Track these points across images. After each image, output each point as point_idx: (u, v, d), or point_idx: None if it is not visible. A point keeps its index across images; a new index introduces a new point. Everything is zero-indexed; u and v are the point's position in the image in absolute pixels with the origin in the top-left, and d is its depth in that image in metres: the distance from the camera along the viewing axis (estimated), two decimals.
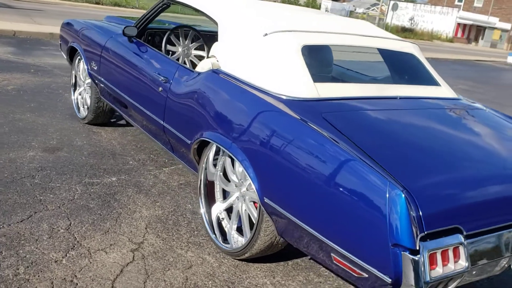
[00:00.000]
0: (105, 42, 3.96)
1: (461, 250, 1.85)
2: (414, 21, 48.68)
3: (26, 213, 2.86)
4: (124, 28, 3.62)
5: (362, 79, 2.89)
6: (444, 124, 2.60)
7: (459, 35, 48.89)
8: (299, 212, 2.10)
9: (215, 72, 2.84)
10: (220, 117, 2.60)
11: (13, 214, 2.83)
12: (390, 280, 1.76)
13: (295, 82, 2.50)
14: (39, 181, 3.30)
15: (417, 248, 1.73)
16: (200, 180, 2.91)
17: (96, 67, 4.08)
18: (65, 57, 5.07)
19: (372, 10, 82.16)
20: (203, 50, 4.20)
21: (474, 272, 1.94)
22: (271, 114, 2.36)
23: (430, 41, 39.49)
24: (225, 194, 2.91)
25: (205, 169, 2.89)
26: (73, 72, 4.77)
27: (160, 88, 3.16)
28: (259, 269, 2.63)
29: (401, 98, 2.74)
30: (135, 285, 2.35)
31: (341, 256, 1.96)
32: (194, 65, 4.11)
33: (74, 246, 2.60)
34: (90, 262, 2.48)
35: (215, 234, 2.79)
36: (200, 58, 4.19)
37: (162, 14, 3.76)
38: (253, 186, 2.36)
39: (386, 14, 39.83)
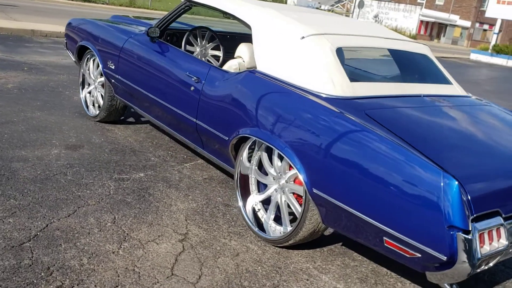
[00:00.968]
0: (124, 42, 4.07)
1: (502, 230, 2.11)
2: (378, 18, 49.71)
3: (71, 208, 2.98)
4: (149, 29, 3.75)
5: (386, 78, 3.12)
6: (467, 119, 2.87)
7: (422, 32, 50.28)
8: (352, 201, 2.32)
9: (252, 72, 3.02)
10: (264, 114, 2.78)
11: (58, 209, 2.95)
12: (446, 258, 2.01)
13: (333, 82, 2.71)
14: (72, 178, 3.40)
15: (470, 229, 1.98)
16: (237, 174, 3.09)
17: (113, 66, 4.18)
18: (71, 56, 5.14)
19: (337, 7, 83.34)
20: (219, 50, 4.37)
21: (511, 250, 2.21)
22: (316, 110, 2.56)
23: None
24: (259, 187, 3.10)
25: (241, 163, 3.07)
26: (81, 71, 4.84)
27: (192, 88, 3.31)
28: (299, 255, 2.84)
29: (424, 96, 3.00)
30: (192, 272, 2.52)
31: (394, 238, 2.19)
32: None
33: (125, 238, 2.75)
34: (145, 253, 2.64)
35: (254, 224, 2.97)
36: (216, 57, 4.36)
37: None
38: (300, 177, 2.56)
39: (353, 12, 40.54)
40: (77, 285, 2.28)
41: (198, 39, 4.25)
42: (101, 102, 4.61)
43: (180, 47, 4.06)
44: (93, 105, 4.79)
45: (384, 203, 2.20)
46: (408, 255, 2.18)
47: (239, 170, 3.09)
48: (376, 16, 50.09)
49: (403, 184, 2.13)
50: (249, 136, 2.89)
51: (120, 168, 3.70)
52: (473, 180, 2.12)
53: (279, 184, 2.88)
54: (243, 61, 3.48)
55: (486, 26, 51.88)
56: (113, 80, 4.25)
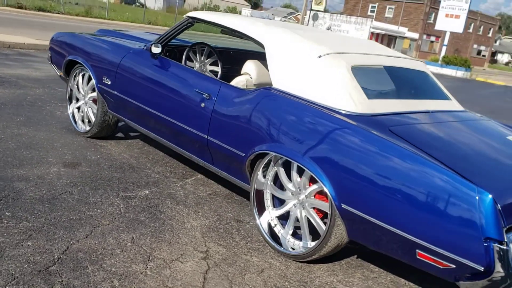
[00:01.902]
0: (122, 58, 4.03)
1: None
2: (331, 30, 50.89)
3: (87, 229, 2.92)
4: (151, 45, 3.74)
5: (396, 95, 3.24)
6: (478, 133, 3.04)
7: None
8: (384, 215, 2.40)
9: (268, 89, 3.07)
10: (287, 130, 2.83)
11: (75, 230, 2.88)
12: (483, 268, 2.12)
13: (352, 99, 2.81)
14: (79, 197, 3.33)
15: (505, 240, 2.11)
16: (253, 190, 3.12)
17: (109, 81, 4.12)
18: (56, 70, 5.02)
19: (289, 19, 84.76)
20: (217, 65, 4.39)
21: None
22: (343, 127, 2.64)
23: None
24: (274, 202, 3.15)
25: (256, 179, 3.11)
26: (69, 85, 4.74)
27: (203, 104, 3.33)
28: (321, 269, 2.90)
29: (432, 112, 3.14)
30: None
31: (428, 251, 2.29)
32: None
33: (149, 258, 2.72)
34: (173, 272, 2.62)
35: (274, 240, 3.01)
36: (214, 73, 4.38)
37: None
38: (326, 193, 2.62)
39: (307, 23, 41.34)
40: None
41: (197, 55, 4.26)
42: (92, 117, 4.53)
43: (180, 63, 4.06)
44: (82, 120, 4.70)
45: (418, 217, 2.29)
46: (441, 266, 2.28)
47: (255, 186, 3.12)
48: (329, 28, 51.20)
49: (437, 199, 2.24)
50: (268, 152, 2.93)
51: (124, 185, 3.65)
52: (503, 192, 2.25)
53: (299, 199, 2.93)
54: (251, 77, 3.53)
55: (433, 38, 54.19)
56: (108, 96, 4.20)
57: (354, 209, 2.51)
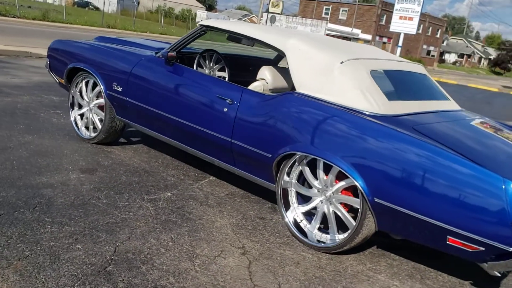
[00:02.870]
0: (135, 65, 4.13)
1: None
2: None
3: (126, 231, 3.04)
4: (167, 52, 3.87)
5: (408, 96, 3.50)
6: (483, 130, 3.35)
7: None
8: (417, 206, 2.65)
9: (292, 94, 3.28)
10: (317, 131, 3.05)
11: (115, 232, 2.99)
12: (511, 249, 2.41)
13: (375, 101, 3.06)
14: (107, 201, 3.43)
15: None
16: (280, 189, 3.33)
17: (120, 88, 4.22)
18: (54, 77, 5.06)
19: (244, 20, 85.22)
20: (224, 71, 4.56)
21: None
22: (370, 127, 2.88)
23: None
24: (298, 199, 3.36)
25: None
26: (71, 93, 4.79)
27: (225, 109, 3.50)
28: (350, 259, 3.14)
29: (439, 111, 3.44)
30: (271, 282, 2.72)
31: (459, 236, 2.56)
32: None
33: (194, 255, 2.87)
34: (219, 267, 2.79)
35: (303, 234, 3.22)
36: (222, 78, 4.54)
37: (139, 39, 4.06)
38: (359, 186, 2.85)
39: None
40: None
41: (207, 61, 4.42)
42: (98, 124, 4.60)
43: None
44: (86, 127, 4.75)
45: (449, 206, 2.56)
46: (471, 250, 2.56)
47: (281, 185, 3.32)
48: None
49: (466, 189, 2.51)
50: (296, 152, 3.14)
51: (145, 189, 3.77)
52: None
53: (326, 195, 3.15)
54: (267, 82, 3.72)
55: (385, 39, 55.86)
56: (118, 102, 4.29)
57: (388, 202, 2.76)
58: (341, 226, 3.14)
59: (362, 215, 2.92)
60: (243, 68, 4.93)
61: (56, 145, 4.51)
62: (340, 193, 3.10)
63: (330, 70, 3.21)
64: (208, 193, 3.89)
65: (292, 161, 3.23)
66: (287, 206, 3.36)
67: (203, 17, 66.77)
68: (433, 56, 66.83)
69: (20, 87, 6.99)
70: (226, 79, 4.53)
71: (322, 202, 3.19)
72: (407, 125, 2.92)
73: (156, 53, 4.23)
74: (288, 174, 3.31)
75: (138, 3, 65.63)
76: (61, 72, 4.84)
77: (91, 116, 4.67)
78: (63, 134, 4.89)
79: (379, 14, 54.57)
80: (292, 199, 3.35)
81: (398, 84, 3.49)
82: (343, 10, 57.31)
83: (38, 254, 2.61)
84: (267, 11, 44.63)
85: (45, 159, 4.07)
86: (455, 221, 2.56)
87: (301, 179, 3.33)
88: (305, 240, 3.20)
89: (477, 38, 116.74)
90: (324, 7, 58.43)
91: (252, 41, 3.66)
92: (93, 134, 4.67)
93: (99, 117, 4.61)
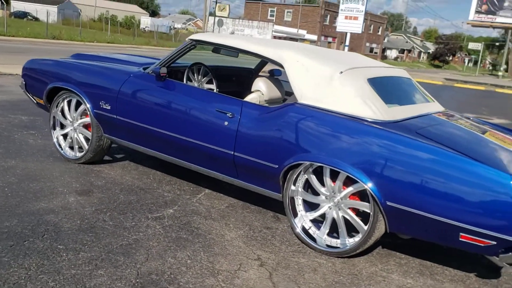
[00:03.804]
0: (123, 82, 4.09)
1: None
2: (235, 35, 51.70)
3: (142, 252, 3.02)
4: (161, 68, 3.86)
5: (401, 101, 3.64)
6: (473, 130, 3.56)
7: None
8: (430, 207, 2.79)
9: (294, 105, 3.36)
10: (324, 140, 3.14)
11: (132, 254, 2.97)
12: None
13: (376, 108, 3.19)
14: (113, 223, 3.39)
15: None
16: (288, 198, 3.40)
17: (109, 106, 4.17)
18: (31, 98, 4.93)
19: (189, 25, 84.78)
20: (212, 83, 4.58)
21: None
22: (376, 134, 3.00)
23: None
24: (304, 207, 3.45)
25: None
26: (52, 113, 4.68)
27: (226, 123, 3.54)
28: (361, 262, 3.25)
29: (430, 114, 3.63)
30: None
31: (471, 232, 2.72)
32: None
33: (215, 271, 2.90)
34: (243, 281, 2.83)
35: (313, 241, 3.32)
36: (210, 90, 4.56)
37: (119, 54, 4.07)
38: (370, 191, 2.96)
39: (213, 29, 41.73)
40: None
41: (195, 74, 4.43)
42: (84, 143, 4.52)
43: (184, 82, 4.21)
44: (71, 147, 4.66)
45: (461, 205, 2.72)
46: (483, 244, 2.73)
47: (288, 194, 3.40)
48: (232, 33, 52.05)
49: (476, 188, 2.68)
50: (303, 162, 3.23)
51: (146, 207, 3.75)
52: None
53: (334, 201, 3.26)
54: (262, 94, 3.79)
55: (330, 39, 57.12)
56: (107, 121, 4.23)
57: (400, 205, 2.89)
58: (348, 230, 3.26)
59: (374, 218, 3.05)
60: (226, 78, 4.98)
61: (43, 167, 4.39)
62: (348, 199, 3.21)
63: (330, 80, 3.31)
64: (209, 207, 3.91)
65: (299, 170, 3.31)
66: (295, 214, 3.44)
67: (147, 23, 66.00)
68: (375, 53, 68.94)
69: None
70: (214, 91, 4.55)
71: (330, 208, 3.29)
72: (410, 130, 3.07)
73: (144, 69, 4.21)
74: (294, 183, 3.39)
75: (80, 12, 64.00)
76: (40, 92, 4.72)
77: (75, 135, 4.57)
78: (45, 155, 4.76)
79: (323, 14, 55.74)
80: (299, 207, 3.43)
81: (391, 90, 3.65)
82: (288, 12, 58.15)
83: (63, 284, 2.56)
84: (214, 15, 44.66)
85: (37, 184, 3.96)
86: (467, 219, 2.72)
87: (306, 186, 3.42)
88: (317, 246, 3.29)
89: (415, 33, 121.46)
90: (269, 9, 59.09)
91: (244, 54, 3.71)
92: (79, 154, 4.58)
93: (84, 136, 4.53)
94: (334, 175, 3.23)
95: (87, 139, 4.53)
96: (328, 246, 3.30)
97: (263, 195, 3.63)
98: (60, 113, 4.64)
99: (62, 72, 4.51)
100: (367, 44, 65.81)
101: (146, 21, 67.58)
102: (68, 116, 4.59)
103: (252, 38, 4.14)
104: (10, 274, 2.59)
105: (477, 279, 3.18)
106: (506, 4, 27.87)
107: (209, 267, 2.95)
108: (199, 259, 3.03)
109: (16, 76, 10.02)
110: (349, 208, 3.23)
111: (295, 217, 3.44)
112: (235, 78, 5.16)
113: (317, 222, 3.41)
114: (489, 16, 28.52)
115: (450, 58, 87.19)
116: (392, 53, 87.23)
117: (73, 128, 4.58)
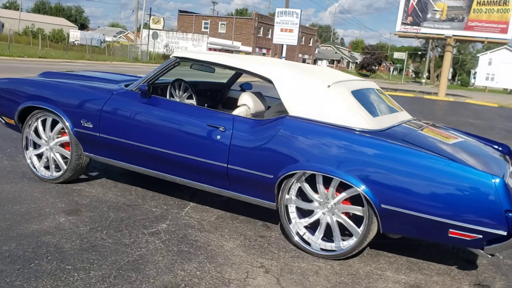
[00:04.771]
0: (106, 100, 4.10)
1: None
2: (169, 47, 51.39)
3: (151, 267, 3.07)
4: (147, 86, 3.92)
5: (380, 112, 3.90)
6: (445, 136, 3.90)
7: None
8: (422, 207, 3.05)
9: (285, 117, 3.55)
10: (318, 150, 3.33)
11: (141, 270, 3.01)
12: (506, 233, 2.91)
13: (364, 118, 3.44)
14: (112, 240, 3.40)
15: None
16: (283, 207, 3.57)
17: (91, 125, 4.15)
18: (0, 118, 4.79)
19: (120, 37, 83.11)
20: (192, 99, 4.67)
21: None
22: (368, 142, 3.24)
23: None
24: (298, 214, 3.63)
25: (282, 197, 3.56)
26: (25, 133, 4.59)
27: (218, 136, 3.66)
28: (355, 262, 3.47)
29: (405, 122, 3.93)
30: None
31: (459, 228, 3.01)
32: None
33: (226, 281, 3.00)
34: None
35: (309, 246, 3.50)
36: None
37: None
38: (365, 195, 3.19)
39: (147, 42, 41.25)
40: None
41: (177, 90, 4.51)
42: (62, 162, 4.46)
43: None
44: (46, 167, 4.58)
45: (449, 204, 3.01)
46: (469, 238, 3.02)
47: (283, 203, 3.57)
48: (166, 46, 51.73)
49: (462, 187, 2.98)
50: (298, 171, 3.41)
51: (139, 223, 3.77)
52: (503, 176, 3.09)
53: (328, 207, 3.46)
54: (249, 108, 3.95)
55: (264, 50, 58.10)
56: (88, 139, 4.22)
57: (394, 207, 3.13)
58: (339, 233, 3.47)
59: (369, 221, 3.28)
60: (202, 93, 5.08)
61: (21, 189, 4.28)
62: (341, 204, 3.42)
63: (319, 93, 3.53)
64: (200, 219, 4.00)
65: (294, 179, 3.49)
66: (289, 222, 3.61)
67: (77, 36, 64.00)
68: (308, 63, 70.85)
69: None
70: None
71: (324, 214, 3.49)
72: (397, 137, 3.34)
73: (126, 85, 4.24)
74: (288, 192, 3.56)
75: (3, 25, 61.08)
76: (11, 112, 4.61)
77: (52, 155, 4.50)
78: (18, 177, 4.64)
79: (256, 26, 56.66)
80: (293, 214, 3.61)
81: (370, 102, 3.91)
82: (221, 24, 58.60)
83: None
84: (148, 27, 44.17)
85: (21, 206, 3.87)
86: (456, 216, 3.01)
87: (298, 194, 3.59)
88: (313, 250, 3.47)
89: (342, 44, 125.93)
90: (203, 21, 59.28)
91: (231, 70, 3.86)
92: (56, 174, 4.50)
93: (61, 155, 4.47)
94: (326, 182, 3.43)
95: (63, 158, 4.47)
96: (322, 249, 3.49)
97: (250, 205, 3.78)
98: (33, 133, 4.55)
99: (37, 91, 4.43)
100: (300, 55, 67.52)
101: (75, 34, 65.47)
102: (43, 136, 4.51)
103: (238, 56, 4.29)
104: None
105: (459, 271, 3.49)
106: (429, 15, 29.71)
107: (218, 277, 3.04)
108: (207, 270, 3.12)
109: None
110: (342, 212, 3.44)
111: (290, 224, 3.60)
112: (209, 93, 5.28)
113: (310, 228, 3.59)
114: (414, 27, 30.24)
115: (377, 67, 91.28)
116: (323, 64, 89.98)
117: (49, 147, 4.50)
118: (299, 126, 3.48)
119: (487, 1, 27.79)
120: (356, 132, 3.35)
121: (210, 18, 59.97)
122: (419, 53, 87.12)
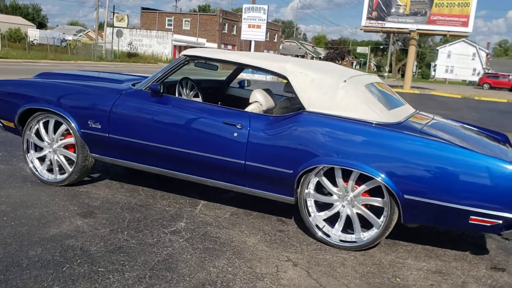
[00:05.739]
0: (115, 100, 4.06)
1: None
2: (133, 45, 50.64)
3: (183, 266, 3.07)
4: (160, 85, 3.90)
5: (391, 105, 3.98)
6: (451, 124, 4.04)
7: (177, 55, 53.26)
8: (443, 196, 3.17)
9: (302, 113, 3.60)
10: (336, 143, 3.39)
11: (174, 269, 3.02)
12: None
13: (380, 111, 3.54)
14: (136, 241, 3.39)
15: None
16: (303, 200, 3.62)
17: (99, 125, 4.10)
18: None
19: (80, 36, 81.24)
20: (198, 97, 4.66)
21: None
22: (388, 134, 3.34)
23: (156, 63, 41.98)
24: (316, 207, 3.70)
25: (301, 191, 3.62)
26: (26, 136, 4.48)
27: (235, 134, 3.68)
28: (377, 252, 3.57)
29: (412, 115, 4.05)
30: (338, 284, 3.02)
31: (480, 215, 3.14)
32: None
33: (258, 275, 3.04)
34: (287, 281, 3.00)
35: (329, 238, 3.58)
36: None
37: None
38: (387, 187, 3.28)
39: (112, 40, 40.51)
40: None
41: (184, 88, 4.49)
42: (66, 164, 4.39)
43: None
44: (49, 170, 4.49)
45: (471, 192, 3.13)
46: (489, 224, 3.16)
47: (303, 197, 3.63)
48: (130, 44, 50.92)
49: (483, 175, 3.10)
50: (318, 165, 3.47)
51: (157, 223, 3.76)
52: None
53: (347, 200, 3.54)
54: (261, 104, 3.98)
55: (229, 47, 57.96)
56: (96, 140, 4.16)
57: (417, 197, 3.24)
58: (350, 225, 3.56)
59: (390, 211, 3.37)
60: (204, 91, 5.08)
61: (27, 193, 4.19)
62: (361, 196, 3.51)
63: (335, 88, 3.60)
64: (215, 217, 4.01)
65: (313, 173, 3.55)
66: (309, 215, 3.67)
67: (36, 35, 62.13)
68: None
69: None
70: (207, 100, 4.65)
71: (343, 207, 3.57)
72: (415, 129, 3.45)
73: (133, 84, 4.20)
74: (307, 186, 3.62)
75: None
76: (10, 115, 4.49)
77: (56, 157, 4.42)
78: (20, 181, 4.54)
79: (221, 22, 56.46)
80: (312, 208, 3.67)
81: (381, 95, 4.01)
82: (185, 21, 58.11)
83: None
84: (112, 25, 43.35)
85: (34, 210, 3.80)
86: (477, 203, 3.14)
87: (315, 188, 3.66)
88: (333, 242, 3.55)
89: (305, 39, 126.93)
90: (167, 18, 58.64)
91: (245, 67, 3.88)
92: (60, 176, 4.43)
93: (65, 157, 4.39)
94: (345, 176, 3.51)
95: (67, 160, 4.40)
96: (342, 241, 3.57)
97: (260, 201, 3.81)
98: (34, 136, 4.45)
99: (38, 92, 4.34)
100: (265, 51, 67.70)
101: (34, 33, 63.50)
102: (45, 138, 4.42)
103: (248, 53, 4.31)
104: None
105: (474, 256, 3.64)
106: (393, 10, 30.34)
107: (251, 272, 3.08)
108: (238, 265, 3.15)
109: None
110: (362, 204, 3.53)
111: (309, 217, 3.66)
112: (210, 91, 5.28)
113: (329, 221, 3.67)
114: (379, 22, 30.84)
115: (340, 62, 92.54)
116: None
117: (52, 149, 4.41)
118: (317, 121, 3.54)
119: None
120: (374, 125, 3.44)
121: (173, 15, 59.36)
122: (381, 47, 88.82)
